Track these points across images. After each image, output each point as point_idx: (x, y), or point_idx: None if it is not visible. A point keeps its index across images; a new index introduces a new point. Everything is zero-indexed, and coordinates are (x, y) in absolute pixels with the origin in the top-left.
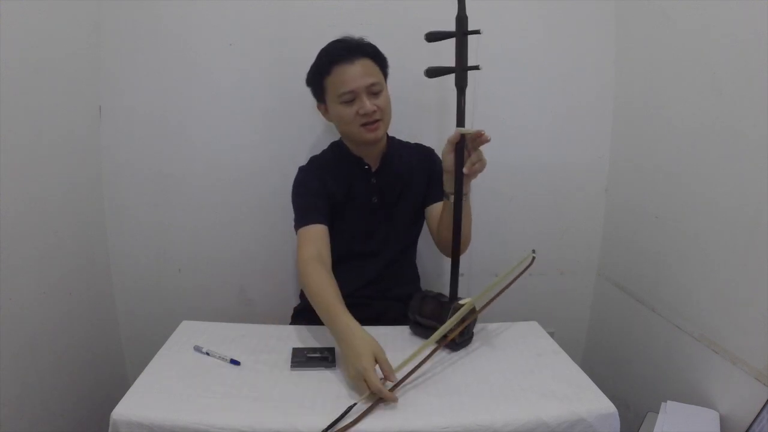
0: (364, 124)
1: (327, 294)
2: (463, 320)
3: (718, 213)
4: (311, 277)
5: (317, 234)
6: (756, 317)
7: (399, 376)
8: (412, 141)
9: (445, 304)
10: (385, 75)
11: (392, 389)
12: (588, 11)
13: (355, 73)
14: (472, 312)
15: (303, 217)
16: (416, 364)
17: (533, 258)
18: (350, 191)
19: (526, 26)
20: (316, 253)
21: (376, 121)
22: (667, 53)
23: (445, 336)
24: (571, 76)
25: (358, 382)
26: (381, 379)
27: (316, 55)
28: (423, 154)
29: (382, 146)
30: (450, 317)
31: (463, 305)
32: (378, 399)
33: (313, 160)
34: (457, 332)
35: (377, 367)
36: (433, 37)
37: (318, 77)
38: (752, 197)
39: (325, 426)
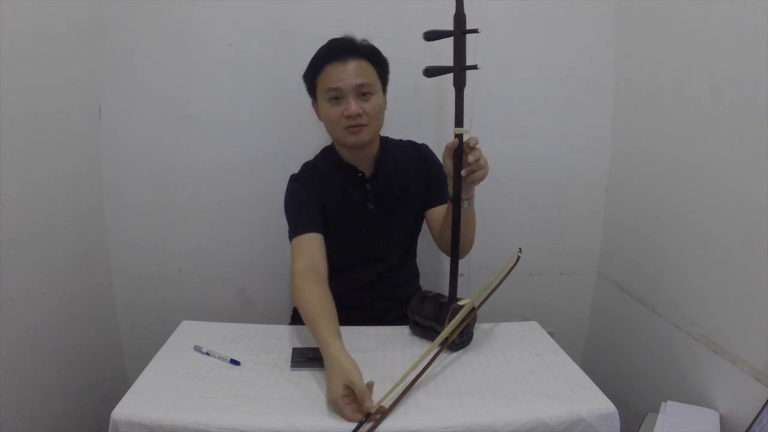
0: (348, 127)
1: (313, 310)
2: (462, 321)
3: (718, 213)
4: (302, 292)
5: (311, 243)
6: (756, 317)
7: (404, 383)
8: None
9: (444, 305)
10: (384, 80)
11: (398, 399)
12: (588, 11)
13: (345, 73)
14: (471, 312)
15: (296, 227)
16: (420, 370)
17: (519, 257)
18: (345, 199)
19: (526, 26)
20: (309, 263)
21: (361, 125)
22: (667, 53)
23: (446, 339)
24: (571, 75)
25: (334, 411)
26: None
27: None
28: (416, 151)
29: (374, 151)
30: (449, 318)
31: (462, 306)
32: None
33: (306, 168)
34: (456, 334)
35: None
36: (431, 36)
37: (311, 74)
38: (752, 197)
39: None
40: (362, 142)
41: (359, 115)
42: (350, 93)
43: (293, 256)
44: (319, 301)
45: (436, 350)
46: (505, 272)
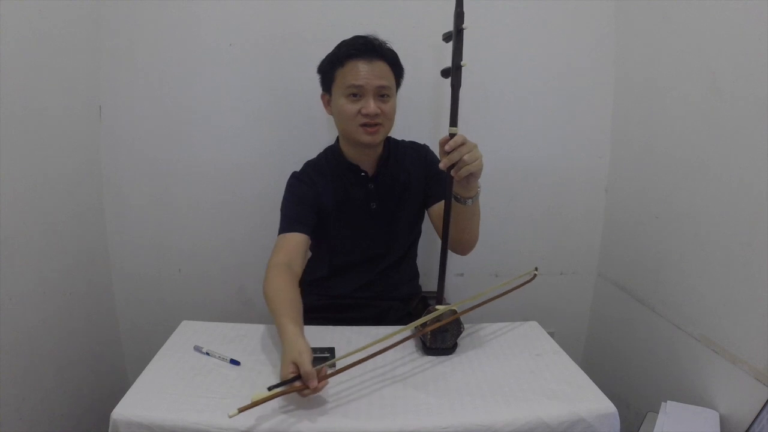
0: (363, 125)
1: (278, 298)
2: (426, 324)
3: (718, 213)
4: (271, 282)
5: (294, 243)
6: (756, 317)
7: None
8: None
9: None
10: (398, 85)
11: (338, 371)
12: (588, 11)
13: (369, 72)
14: (457, 324)
15: (286, 225)
16: (369, 354)
17: (534, 275)
18: (347, 198)
19: (526, 26)
20: (287, 261)
21: (377, 125)
22: (667, 53)
23: (409, 335)
24: (571, 75)
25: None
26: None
27: (336, 45)
28: (418, 152)
29: (379, 150)
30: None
31: (438, 311)
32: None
33: (308, 166)
34: (420, 332)
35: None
36: (446, 37)
37: (331, 66)
38: (752, 197)
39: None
40: (375, 142)
41: (377, 115)
42: (371, 92)
43: (273, 251)
44: (285, 291)
45: (396, 338)
46: (512, 286)
